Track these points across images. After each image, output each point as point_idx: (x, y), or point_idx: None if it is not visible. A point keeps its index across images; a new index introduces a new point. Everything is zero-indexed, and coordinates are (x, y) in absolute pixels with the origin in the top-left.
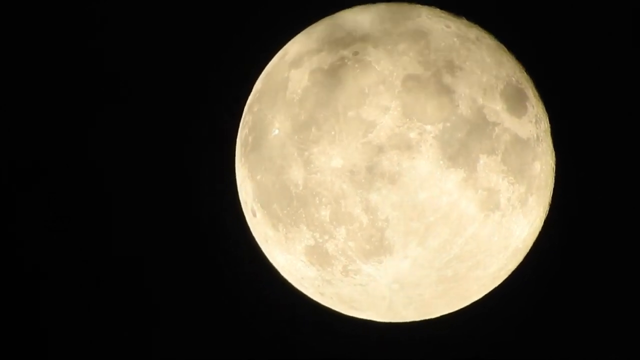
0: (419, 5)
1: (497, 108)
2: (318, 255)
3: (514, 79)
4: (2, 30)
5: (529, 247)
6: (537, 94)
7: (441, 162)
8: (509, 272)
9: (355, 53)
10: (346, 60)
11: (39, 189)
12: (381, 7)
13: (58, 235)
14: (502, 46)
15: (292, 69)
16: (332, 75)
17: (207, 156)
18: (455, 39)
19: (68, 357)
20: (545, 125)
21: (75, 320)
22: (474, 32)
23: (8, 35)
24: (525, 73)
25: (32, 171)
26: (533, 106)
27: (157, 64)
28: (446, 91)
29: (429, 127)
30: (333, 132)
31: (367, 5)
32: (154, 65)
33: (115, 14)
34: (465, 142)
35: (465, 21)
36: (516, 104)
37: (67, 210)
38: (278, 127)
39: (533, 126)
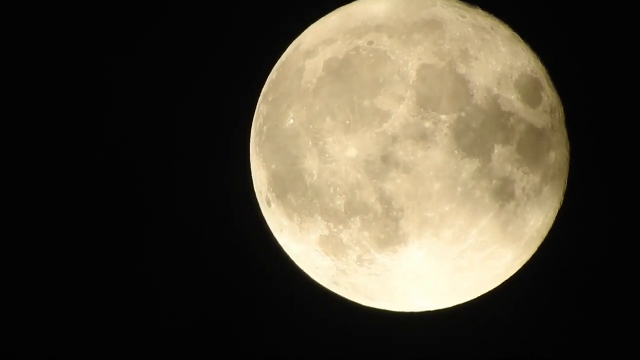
0: None
1: (512, 98)
2: (333, 245)
3: (529, 69)
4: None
5: (543, 238)
6: (552, 84)
7: (456, 152)
8: (524, 263)
9: (370, 43)
10: (361, 50)
11: (60, 186)
12: None
13: (75, 227)
14: (517, 36)
15: (307, 59)
16: (347, 65)
17: (222, 146)
18: (470, 29)
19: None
20: (560, 115)
21: (86, 311)
22: (489, 22)
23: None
24: (540, 63)
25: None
26: (548, 96)
27: (169, 56)
28: (461, 81)
29: (444, 117)
30: (348, 122)
31: None
32: (165, 58)
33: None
34: (480, 132)
35: (480, 11)
36: (531, 94)
37: (79, 202)
38: (293, 117)
39: (548, 116)
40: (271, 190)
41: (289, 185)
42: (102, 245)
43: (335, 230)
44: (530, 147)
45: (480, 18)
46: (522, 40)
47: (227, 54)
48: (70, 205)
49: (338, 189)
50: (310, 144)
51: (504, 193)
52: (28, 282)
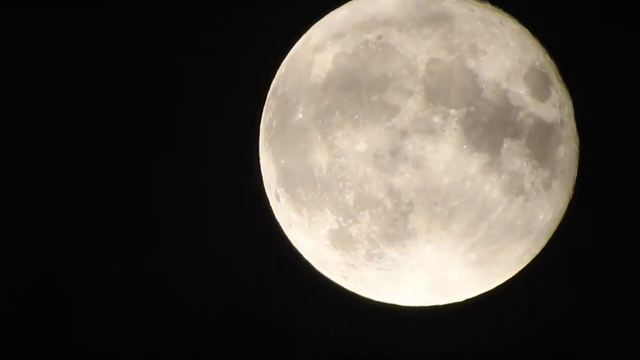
0: None
1: (521, 92)
2: (342, 240)
3: (537, 63)
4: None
5: (552, 231)
6: (560, 78)
7: (465, 146)
8: (533, 256)
9: (379, 37)
10: (370, 45)
11: (78, 180)
12: None
13: (81, 224)
14: (526, 30)
15: (315, 53)
16: (356, 59)
17: (231, 140)
18: (479, 23)
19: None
20: (569, 109)
21: (92, 308)
22: (497, 16)
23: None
24: (549, 57)
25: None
26: (557, 90)
27: (175, 51)
28: (470, 75)
29: (452, 111)
30: (357, 116)
31: None
32: (171, 54)
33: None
34: (489, 126)
35: (489, 5)
36: (540, 88)
37: (84, 200)
38: (302, 111)
39: (557, 110)
40: (280, 184)
41: (298, 179)
42: (108, 240)
43: (344, 225)
44: (539, 141)
45: (489, 12)
46: (531, 35)
47: (235, 48)
48: (76, 203)
49: (347, 183)
50: (319, 138)
51: (513, 187)
52: (28, 281)
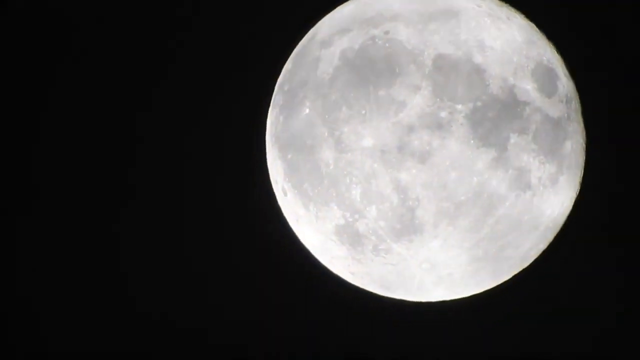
0: None
1: (527, 87)
2: (349, 235)
3: (544, 58)
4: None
5: (559, 227)
6: (567, 73)
7: (472, 141)
8: (540, 252)
9: (386, 32)
10: (377, 40)
11: (89, 183)
12: None
13: (97, 214)
14: (533, 25)
15: (322, 49)
16: (363, 54)
17: (237, 136)
18: (486, 18)
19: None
20: (575, 104)
21: (100, 306)
22: (504, 12)
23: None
24: (555, 52)
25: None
26: (564, 85)
27: (182, 46)
28: (477, 70)
29: (459, 107)
30: (364, 112)
31: None
32: (179, 48)
33: None
34: (495, 122)
35: (496, 0)
36: (547, 83)
37: (94, 199)
38: (309, 107)
39: (564, 105)
40: (287, 179)
41: (305, 174)
42: (114, 235)
43: (351, 220)
44: (546, 136)
45: (496, 7)
46: (537, 30)
47: (242, 44)
48: (86, 202)
49: (354, 179)
50: (326, 133)
51: (520, 182)
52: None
